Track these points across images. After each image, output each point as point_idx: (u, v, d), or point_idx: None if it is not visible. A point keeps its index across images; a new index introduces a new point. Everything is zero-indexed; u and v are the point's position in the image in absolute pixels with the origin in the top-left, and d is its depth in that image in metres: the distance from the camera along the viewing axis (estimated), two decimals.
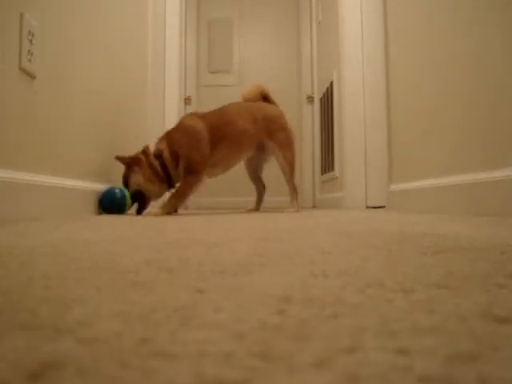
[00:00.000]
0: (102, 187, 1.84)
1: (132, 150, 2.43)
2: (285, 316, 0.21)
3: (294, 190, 2.12)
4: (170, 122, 3.03)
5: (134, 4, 2.50)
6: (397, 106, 2.20)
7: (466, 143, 1.49)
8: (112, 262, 0.41)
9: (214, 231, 0.82)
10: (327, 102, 3.48)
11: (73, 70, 1.62)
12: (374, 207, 2.62)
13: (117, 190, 1.79)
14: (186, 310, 0.22)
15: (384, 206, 2.45)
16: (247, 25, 4.55)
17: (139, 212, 1.85)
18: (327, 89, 3.47)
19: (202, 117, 1.93)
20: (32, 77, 1.31)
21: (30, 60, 1.28)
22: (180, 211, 2.14)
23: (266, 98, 2.15)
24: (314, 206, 4.18)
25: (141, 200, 1.83)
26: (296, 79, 4.49)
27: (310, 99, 4.32)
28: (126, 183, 1.83)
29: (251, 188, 2.40)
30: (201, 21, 4.51)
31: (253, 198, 2.41)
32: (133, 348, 0.16)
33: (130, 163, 1.81)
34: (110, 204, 1.78)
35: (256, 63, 4.52)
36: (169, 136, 1.87)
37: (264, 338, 0.17)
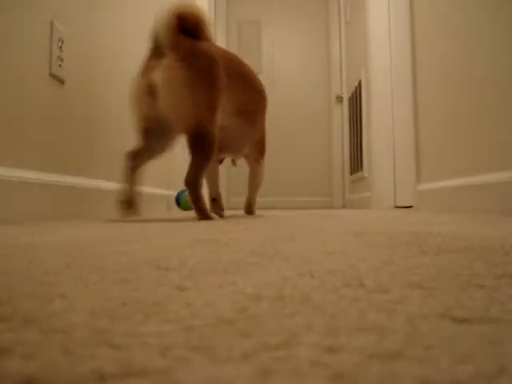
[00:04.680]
0: None
1: None
2: (244, 313, 0.22)
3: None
4: None
5: (164, 7, 2.56)
6: (424, 105, 2.16)
7: (496, 141, 1.44)
8: (115, 260, 0.43)
9: (231, 231, 0.83)
10: (356, 102, 3.44)
11: (101, 74, 1.67)
12: (403, 207, 2.57)
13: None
14: (157, 306, 0.24)
15: (412, 206, 2.41)
16: (276, 26, 4.55)
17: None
18: (356, 88, 3.43)
19: None
20: (62, 82, 1.36)
21: (60, 66, 1.34)
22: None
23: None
24: (344, 206, 4.14)
25: None
26: (325, 79, 4.46)
27: (340, 99, 4.28)
28: None
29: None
30: (230, 23, 4.55)
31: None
32: (84, 338, 0.17)
33: None
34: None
35: (286, 64, 4.52)
36: None
37: (210, 332, 0.18)
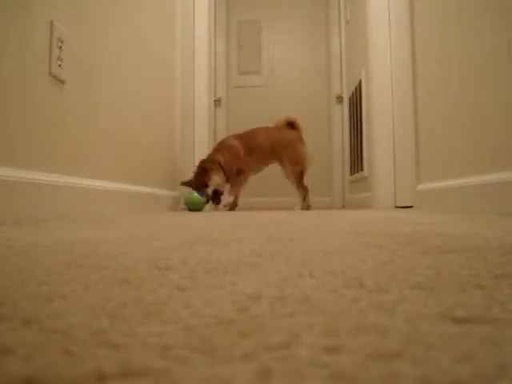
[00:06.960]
0: (129, 188, 1.90)
1: (159, 148, 2.49)
2: (244, 313, 0.22)
3: (301, 194, 2.69)
4: (200, 125, 3.07)
5: (163, 6, 2.56)
6: (424, 105, 2.16)
7: (496, 142, 1.44)
8: (115, 260, 0.43)
9: (232, 230, 0.83)
10: (356, 101, 3.44)
11: (101, 74, 1.67)
12: (403, 207, 2.57)
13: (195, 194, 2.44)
14: (157, 306, 0.24)
15: (412, 206, 2.41)
16: (276, 26, 4.55)
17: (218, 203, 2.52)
18: (356, 88, 3.43)
19: (238, 137, 2.66)
20: (62, 82, 1.36)
21: (59, 66, 1.34)
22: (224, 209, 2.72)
23: (292, 124, 2.73)
24: (344, 206, 4.14)
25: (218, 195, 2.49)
26: (325, 79, 4.45)
27: (340, 99, 4.28)
28: (204, 185, 2.42)
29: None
30: (230, 22, 4.54)
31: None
32: (84, 338, 0.17)
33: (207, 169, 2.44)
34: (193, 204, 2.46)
35: (285, 64, 4.52)
36: (220, 151, 2.57)
37: (210, 332, 0.18)
